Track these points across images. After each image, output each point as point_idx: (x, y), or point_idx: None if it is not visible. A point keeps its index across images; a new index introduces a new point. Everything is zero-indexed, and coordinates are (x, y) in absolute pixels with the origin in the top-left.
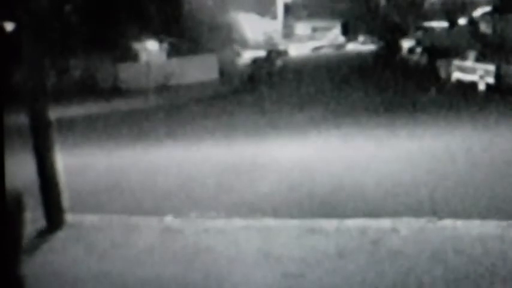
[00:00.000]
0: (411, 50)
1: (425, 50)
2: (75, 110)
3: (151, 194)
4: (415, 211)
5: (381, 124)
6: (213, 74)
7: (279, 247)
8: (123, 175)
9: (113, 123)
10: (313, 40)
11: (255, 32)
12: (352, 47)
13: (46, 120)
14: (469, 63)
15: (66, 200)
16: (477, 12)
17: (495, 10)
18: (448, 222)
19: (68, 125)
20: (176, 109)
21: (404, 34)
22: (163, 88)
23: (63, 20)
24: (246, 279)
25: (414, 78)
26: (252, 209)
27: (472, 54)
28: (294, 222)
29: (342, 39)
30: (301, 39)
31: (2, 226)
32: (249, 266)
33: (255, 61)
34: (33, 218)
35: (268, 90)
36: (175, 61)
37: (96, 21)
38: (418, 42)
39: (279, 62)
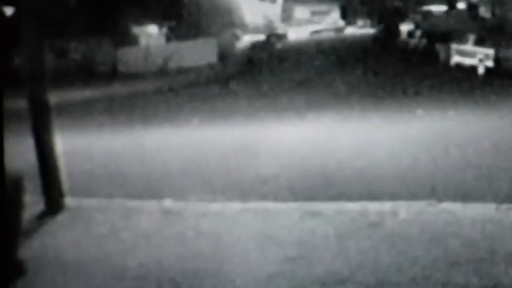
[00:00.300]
0: (410, 34)
1: (425, 33)
2: (74, 94)
3: (151, 177)
4: (414, 194)
5: (379, 106)
6: (212, 58)
7: (279, 230)
8: (122, 159)
9: (112, 107)
10: (312, 24)
11: (254, 16)
12: (351, 30)
13: (45, 104)
14: (468, 46)
15: (65, 183)
16: None
17: None
18: (448, 205)
19: (68, 109)
20: (175, 92)
21: (404, 18)
22: (162, 72)
23: (62, 4)
24: (245, 262)
25: (413, 62)
26: (251, 191)
27: (471, 38)
28: (294, 205)
29: (341, 23)
30: (300, 23)
31: (1, 210)
32: (249, 248)
33: (255, 45)
34: (32, 202)
35: (267, 73)
36: (174, 45)
37: (95, 4)
38: (417, 26)
39: (278, 46)
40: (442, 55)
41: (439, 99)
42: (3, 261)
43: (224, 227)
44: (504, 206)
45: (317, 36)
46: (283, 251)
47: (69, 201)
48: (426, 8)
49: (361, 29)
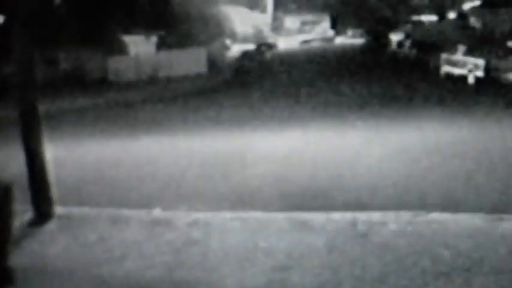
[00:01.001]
0: (400, 44)
1: (415, 43)
2: (63, 102)
3: (139, 186)
4: (404, 204)
5: (369, 116)
6: (201, 67)
7: (268, 240)
8: (112, 167)
9: (101, 116)
10: (302, 33)
11: (245, 25)
12: (341, 40)
13: (35, 112)
14: (458, 56)
15: (54, 192)
16: (466, 6)
17: (484, 4)
18: (436, 216)
19: (57, 117)
20: (164, 102)
21: (394, 28)
22: (152, 81)
23: (52, 13)
24: (234, 271)
25: (403, 72)
26: (241, 201)
27: (461, 48)
28: (283, 215)
29: (331, 32)
30: (290, 33)
31: None
32: (238, 258)
33: (245, 54)
34: (21, 210)
35: (256, 83)
36: (164, 54)
37: (85, 13)
38: (408, 36)
39: (268, 55)
40: (432, 65)
41: (428, 108)
42: None
43: (213, 236)
44: (494, 216)
45: (307, 46)
46: (272, 261)
47: (58, 209)
48: (417, 17)
49: (351, 39)
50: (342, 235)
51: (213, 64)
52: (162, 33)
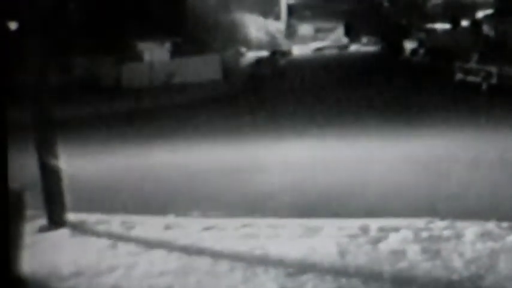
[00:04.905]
0: (414, 52)
1: (428, 51)
2: (77, 109)
3: (154, 193)
4: (417, 211)
5: (384, 125)
6: (216, 74)
7: (280, 246)
8: (126, 175)
9: (115, 123)
10: (316, 41)
11: (258, 32)
12: (355, 48)
13: (48, 119)
14: (471, 64)
15: (68, 198)
16: (479, 14)
17: (497, 12)
18: (449, 223)
19: (71, 125)
20: (178, 109)
21: (407, 35)
22: (166, 88)
23: (66, 19)
24: (247, 277)
25: (417, 79)
26: (254, 208)
27: (474, 56)
28: (295, 222)
29: (344, 40)
30: (304, 40)
31: (3, 224)
32: (251, 264)
33: (259, 61)
34: (35, 216)
35: (270, 90)
36: (178, 61)
37: (99, 20)
38: (421, 44)
39: (282, 62)
40: (445, 72)
41: (443, 116)
42: (5, 275)
43: (225, 242)
44: (505, 224)
45: (321, 53)
46: (284, 267)
47: (71, 216)
48: (430, 25)
49: (365, 46)
50: (354, 241)
51: (228, 71)
52: (177, 40)
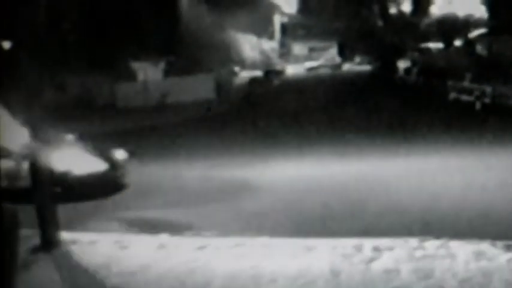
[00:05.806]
0: (408, 71)
1: (422, 70)
2: (71, 128)
3: (144, 211)
4: (410, 230)
5: (377, 145)
6: (209, 94)
7: (274, 265)
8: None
9: (108, 142)
10: (310, 60)
11: (252, 51)
12: (349, 67)
13: (42, 137)
14: (465, 83)
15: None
16: (473, 34)
17: (491, 31)
18: (443, 242)
19: None
20: (172, 128)
21: (401, 55)
22: (160, 107)
23: (60, 39)
24: None
25: (411, 98)
26: (247, 227)
27: (468, 75)
28: (289, 241)
29: (338, 59)
30: (298, 59)
31: None
32: (245, 284)
33: (253, 81)
34: (27, 236)
35: (264, 110)
36: (172, 80)
37: (93, 39)
38: (415, 63)
39: (276, 82)
40: (439, 92)
41: (437, 135)
42: None
43: (220, 261)
44: (500, 243)
45: (315, 73)
46: (278, 286)
47: (65, 235)
48: (424, 45)
49: (359, 66)
50: (347, 260)
51: (221, 90)
52: (171, 59)
